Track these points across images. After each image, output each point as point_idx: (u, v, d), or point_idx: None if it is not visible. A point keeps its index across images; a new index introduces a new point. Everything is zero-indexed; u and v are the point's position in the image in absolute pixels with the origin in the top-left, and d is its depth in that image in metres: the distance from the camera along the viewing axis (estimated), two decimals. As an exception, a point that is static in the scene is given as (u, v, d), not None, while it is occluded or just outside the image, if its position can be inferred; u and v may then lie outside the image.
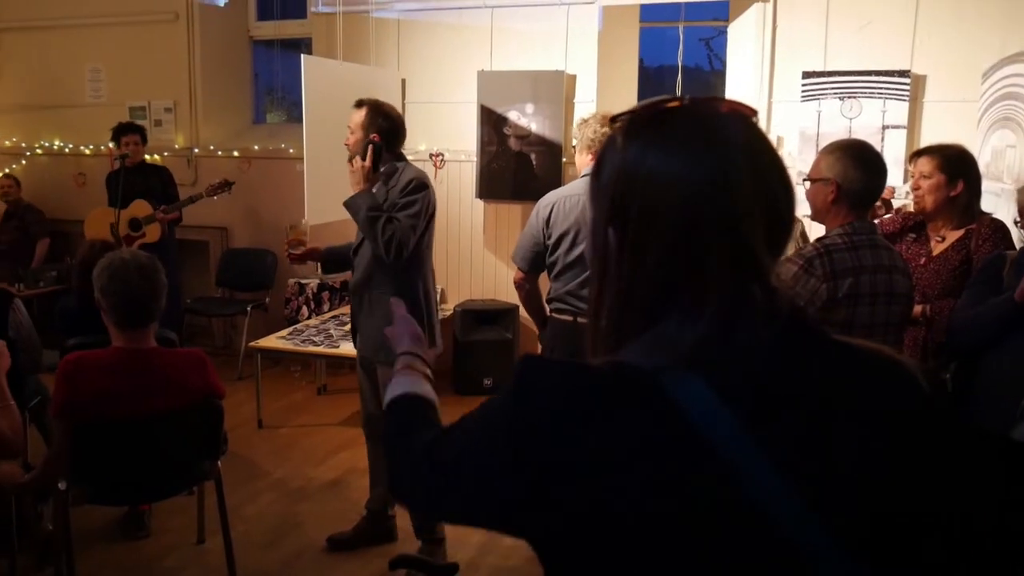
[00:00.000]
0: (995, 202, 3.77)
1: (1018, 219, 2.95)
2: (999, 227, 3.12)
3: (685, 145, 0.84)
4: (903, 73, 4.93)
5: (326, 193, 4.75)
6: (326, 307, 5.96)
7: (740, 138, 0.85)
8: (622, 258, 0.87)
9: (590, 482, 0.76)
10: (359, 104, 3.33)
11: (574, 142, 5.57)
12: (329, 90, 5.03)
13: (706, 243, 0.82)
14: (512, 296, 5.94)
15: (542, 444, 0.78)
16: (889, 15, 5.00)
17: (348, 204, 3.23)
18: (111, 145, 5.65)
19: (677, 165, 0.83)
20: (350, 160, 3.29)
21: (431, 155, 6.00)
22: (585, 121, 3.32)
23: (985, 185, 3.98)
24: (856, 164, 2.38)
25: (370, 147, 3.19)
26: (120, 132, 5.60)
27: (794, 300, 0.88)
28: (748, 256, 0.83)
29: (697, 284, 0.83)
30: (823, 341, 0.87)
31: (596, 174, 0.92)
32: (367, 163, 3.19)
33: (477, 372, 5.69)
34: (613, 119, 0.91)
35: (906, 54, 4.97)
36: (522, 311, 5.86)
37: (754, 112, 0.90)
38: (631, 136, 0.88)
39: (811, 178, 2.50)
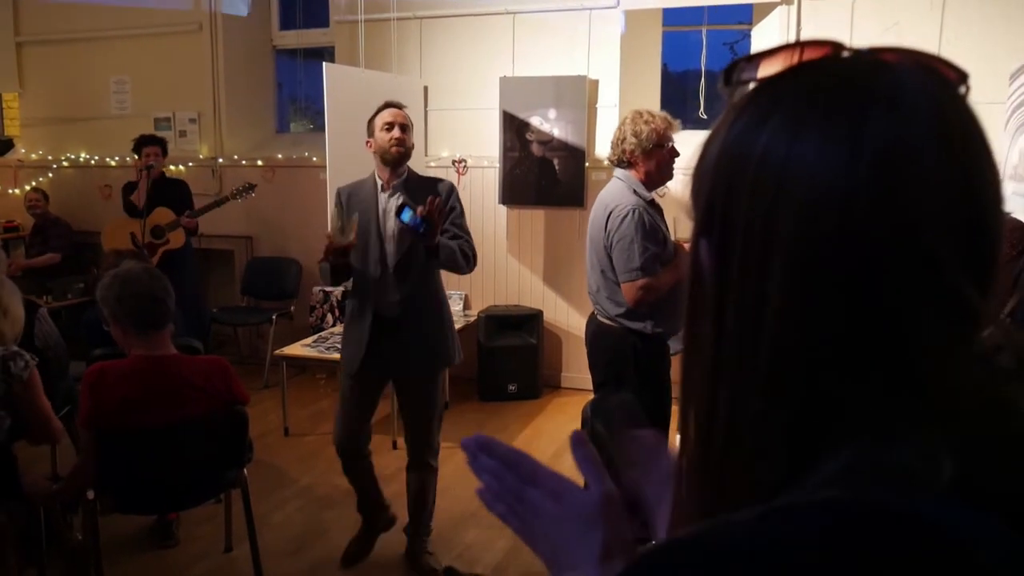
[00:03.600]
0: (1022, 204, 3.72)
1: None
2: (1018, 227, 3.07)
3: (833, 115, 0.51)
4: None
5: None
6: (350, 315, 5.97)
7: (924, 104, 0.52)
8: (723, 296, 0.56)
9: None
10: (399, 105, 3.28)
11: (599, 149, 5.58)
12: (351, 98, 5.04)
13: (868, 273, 0.50)
14: (536, 301, 5.95)
15: None
16: (915, 17, 4.94)
17: (444, 252, 3.05)
18: (135, 157, 5.69)
19: (816, 146, 0.51)
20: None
21: (454, 161, 6.00)
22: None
23: (1012, 187, 3.93)
24: None
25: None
26: (141, 144, 5.62)
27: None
28: (947, 292, 0.51)
29: (873, 362, 0.51)
30: None
31: (699, 163, 0.60)
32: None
33: (502, 378, 5.68)
34: (727, 74, 0.60)
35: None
36: (546, 317, 5.86)
37: (960, 75, 0.58)
38: (745, 103, 0.57)
39: None
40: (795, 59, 0.57)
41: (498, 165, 5.84)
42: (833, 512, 0.47)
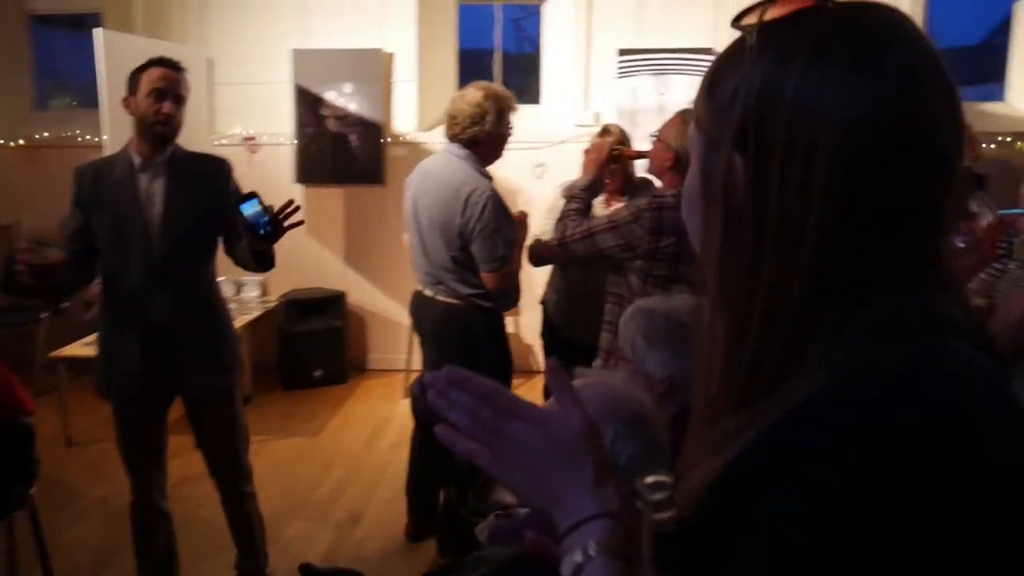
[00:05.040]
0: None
1: None
2: None
3: (855, 48, 0.64)
4: (707, 51, 5.15)
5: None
6: (135, 307, 5.51)
7: (918, 36, 0.66)
8: (764, 199, 0.65)
9: None
10: (176, 66, 2.72)
11: (396, 124, 5.46)
12: (128, 70, 4.61)
13: (899, 165, 0.63)
14: (338, 283, 5.75)
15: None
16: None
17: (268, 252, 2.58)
18: None
19: (844, 73, 0.63)
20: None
21: (244, 139, 5.66)
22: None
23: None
24: None
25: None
26: None
27: None
28: (950, 178, 0.66)
29: (900, 243, 0.64)
30: None
31: (711, 92, 0.71)
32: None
33: (306, 364, 5.49)
34: (737, 18, 0.71)
35: (709, 32, 5.19)
36: (349, 298, 5.70)
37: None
38: (762, 44, 0.67)
39: (658, 137, 2.58)
40: (790, 8, 0.67)
41: (292, 142, 5.57)
42: (917, 359, 0.61)
